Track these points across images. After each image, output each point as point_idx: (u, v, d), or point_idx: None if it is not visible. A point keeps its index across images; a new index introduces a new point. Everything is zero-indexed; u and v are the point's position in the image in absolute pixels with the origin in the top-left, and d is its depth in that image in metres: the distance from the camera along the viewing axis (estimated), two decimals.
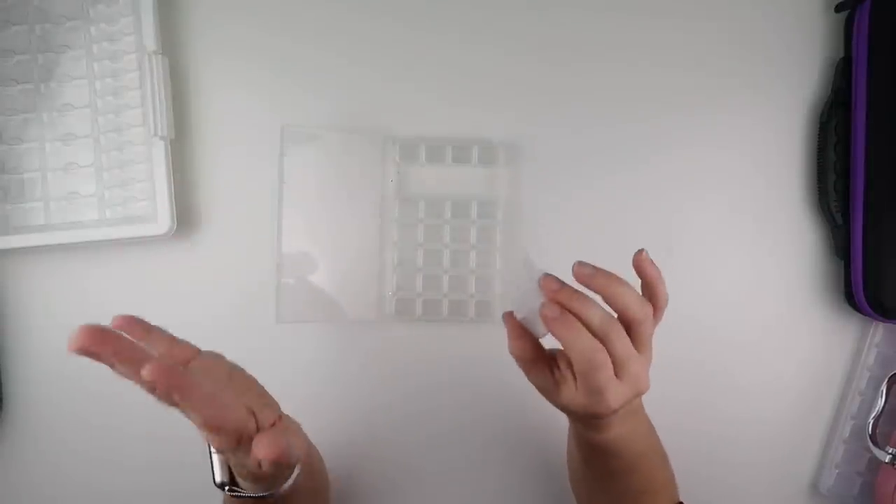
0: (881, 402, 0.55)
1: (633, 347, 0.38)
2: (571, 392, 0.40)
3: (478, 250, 0.58)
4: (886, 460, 0.53)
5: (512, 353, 0.42)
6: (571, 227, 0.58)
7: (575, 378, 0.39)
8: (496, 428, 0.59)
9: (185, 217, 0.57)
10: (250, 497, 0.40)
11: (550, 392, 0.41)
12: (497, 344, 0.58)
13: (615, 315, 0.39)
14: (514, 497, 0.59)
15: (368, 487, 0.59)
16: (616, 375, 0.38)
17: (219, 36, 0.58)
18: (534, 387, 0.43)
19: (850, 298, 0.57)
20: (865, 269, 0.55)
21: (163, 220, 0.54)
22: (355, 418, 0.58)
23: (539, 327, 0.40)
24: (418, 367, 0.59)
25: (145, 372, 0.30)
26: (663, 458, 0.48)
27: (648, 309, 0.39)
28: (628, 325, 0.38)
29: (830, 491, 0.58)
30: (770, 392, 0.59)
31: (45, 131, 0.56)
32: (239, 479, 0.40)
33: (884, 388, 0.55)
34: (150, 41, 0.54)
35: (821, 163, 0.57)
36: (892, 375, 0.55)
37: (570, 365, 0.40)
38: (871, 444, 0.54)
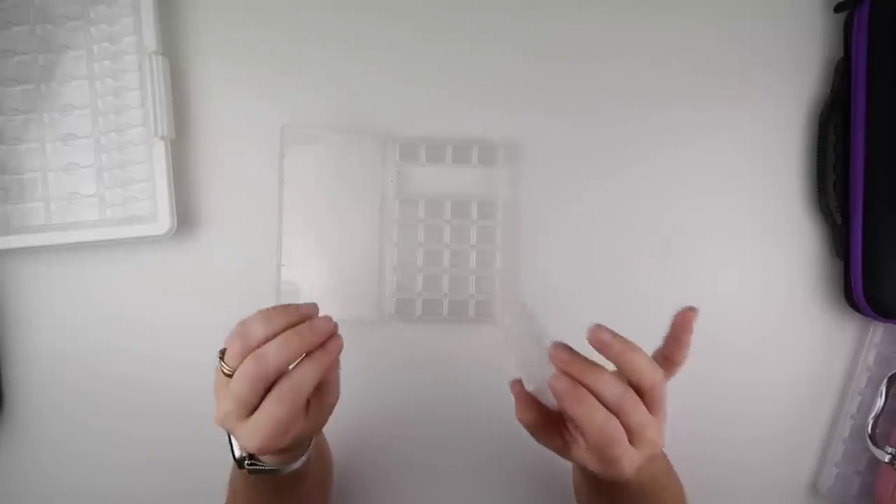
0: (880, 401, 0.55)
1: (647, 413, 0.37)
2: (582, 453, 0.39)
3: (478, 250, 0.58)
4: (886, 460, 0.53)
5: (520, 420, 0.41)
6: (571, 227, 0.58)
7: (586, 439, 0.38)
8: (496, 427, 0.59)
9: (185, 217, 0.57)
10: (266, 470, 0.41)
11: (561, 451, 0.41)
12: (497, 344, 0.58)
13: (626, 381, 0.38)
14: (515, 495, 0.59)
15: (368, 486, 0.59)
16: (631, 443, 0.37)
17: (219, 36, 0.58)
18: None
19: (849, 298, 0.57)
20: (865, 269, 0.55)
21: (163, 220, 0.55)
22: (355, 418, 0.58)
23: (551, 398, 0.39)
24: (418, 367, 0.59)
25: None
26: (678, 491, 0.46)
27: (661, 374, 0.38)
28: (641, 391, 0.37)
29: (830, 490, 0.58)
30: (769, 392, 0.59)
31: (46, 132, 0.56)
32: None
33: (883, 387, 0.55)
34: (151, 42, 0.54)
35: (820, 163, 0.57)
36: (891, 375, 0.55)
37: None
38: (870, 443, 0.54)
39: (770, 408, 0.59)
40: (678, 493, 0.47)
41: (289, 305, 0.38)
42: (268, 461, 0.41)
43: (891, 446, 0.53)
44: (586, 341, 0.37)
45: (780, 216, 0.59)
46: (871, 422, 0.55)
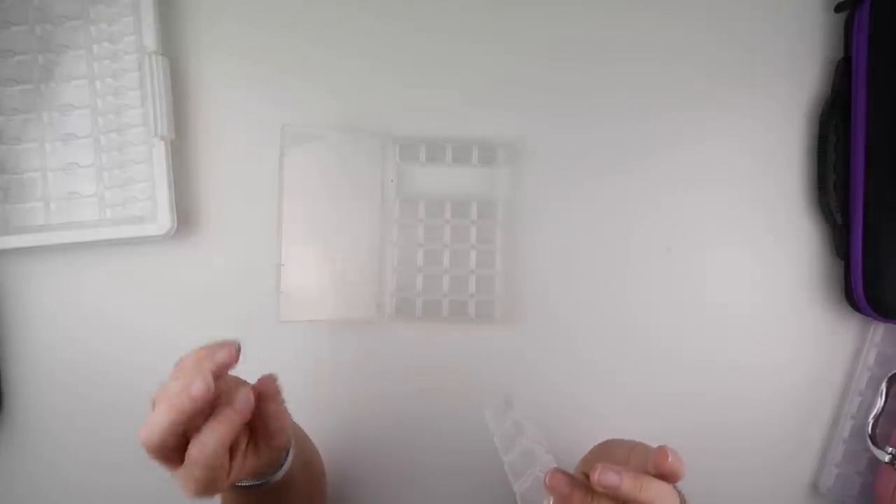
0: (881, 401, 0.55)
1: None
2: None
3: (478, 250, 0.58)
4: (886, 460, 0.53)
5: None
6: (571, 227, 0.58)
7: None
8: None
9: (185, 217, 0.57)
10: (249, 486, 0.41)
11: None
12: (497, 344, 0.58)
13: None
14: (514, 495, 0.59)
15: (367, 486, 0.59)
16: None
17: (219, 36, 0.58)
18: None
19: (849, 298, 0.57)
20: (865, 268, 0.55)
21: (163, 220, 0.55)
22: (355, 417, 0.58)
23: None
24: (418, 367, 0.59)
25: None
26: None
27: (676, 499, 0.36)
28: None
29: (830, 491, 0.58)
30: (769, 391, 0.59)
31: (46, 131, 0.56)
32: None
33: (883, 387, 0.55)
34: (151, 41, 0.54)
35: (821, 163, 0.57)
36: (891, 375, 0.55)
37: None
38: (870, 443, 0.54)
39: (770, 407, 0.59)
40: None
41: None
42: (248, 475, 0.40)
43: (891, 446, 0.53)
44: (594, 482, 0.35)
45: (781, 216, 0.59)
46: (871, 422, 0.55)
